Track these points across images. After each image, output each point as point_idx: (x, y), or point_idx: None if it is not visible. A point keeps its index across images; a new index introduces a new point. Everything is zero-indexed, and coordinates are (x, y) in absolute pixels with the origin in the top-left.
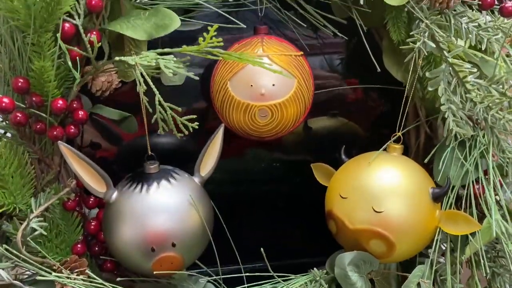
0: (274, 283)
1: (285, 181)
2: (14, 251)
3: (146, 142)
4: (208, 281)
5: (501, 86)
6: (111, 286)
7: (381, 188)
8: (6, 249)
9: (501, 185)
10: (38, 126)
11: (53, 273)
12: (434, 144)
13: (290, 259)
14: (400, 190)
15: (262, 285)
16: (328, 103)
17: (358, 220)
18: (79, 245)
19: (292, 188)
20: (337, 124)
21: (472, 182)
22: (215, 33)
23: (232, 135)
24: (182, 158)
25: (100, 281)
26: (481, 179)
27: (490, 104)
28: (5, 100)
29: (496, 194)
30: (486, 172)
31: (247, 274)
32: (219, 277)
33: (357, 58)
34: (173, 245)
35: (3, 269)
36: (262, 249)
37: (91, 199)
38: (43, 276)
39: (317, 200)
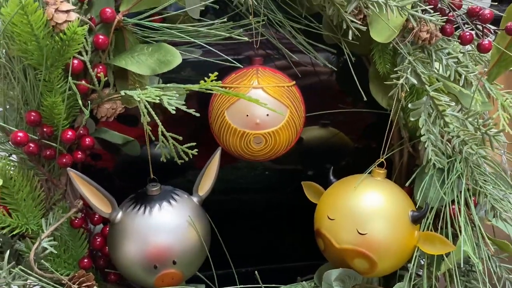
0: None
1: (277, 189)
2: (27, 270)
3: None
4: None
5: (475, 121)
6: None
7: (365, 211)
8: (21, 269)
9: (475, 205)
10: (48, 153)
11: None
12: (417, 164)
13: (280, 263)
14: (382, 213)
15: None
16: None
17: (344, 241)
18: (85, 260)
19: (283, 196)
20: (328, 134)
21: (448, 203)
22: (215, 77)
23: None
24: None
25: None
26: (457, 201)
27: (465, 139)
28: (20, 134)
29: (470, 214)
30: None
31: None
32: None
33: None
34: (174, 262)
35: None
36: (256, 272)
37: (96, 216)
38: None
39: (307, 208)
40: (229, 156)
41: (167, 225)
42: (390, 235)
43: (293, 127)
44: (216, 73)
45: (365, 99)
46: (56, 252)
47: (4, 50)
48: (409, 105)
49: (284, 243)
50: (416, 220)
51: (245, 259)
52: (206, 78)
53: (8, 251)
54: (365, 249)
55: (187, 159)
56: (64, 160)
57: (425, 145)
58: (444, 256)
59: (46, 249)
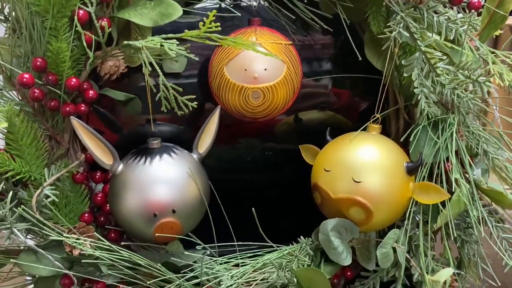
0: (268, 251)
1: (276, 169)
2: (29, 211)
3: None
4: (203, 248)
5: (466, 72)
6: (117, 248)
7: (360, 161)
8: (24, 210)
9: (470, 165)
10: (52, 104)
11: (64, 234)
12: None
13: (279, 243)
14: (377, 163)
15: (256, 252)
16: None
17: (340, 190)
18: (86, 215)
19: (282, 175)
20: (325, 116)
21: (444, 160)
22: (214, 18)
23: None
24: None
25: (107, 243)
26: (452, 158)
27: (456, 86)
28: (26, 76)
29: (465, 172)
30: (457, 153)
31: (241, 243)
32: (214, 245)
33: (343, 56)
34: (173, 211)
35: (18, 230)
36: (253, 208)
37: (98, 174)
38: (55, 237)
39: (305, 187)
40: (229, 136)
41: (167, 175)
42: (385, 184)
43: (291, 84)
44: (214, 11)
45: (360, 58)
46: (58, 201)
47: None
48: (403, 62)
49: (283, 223)
50: (411, 171)
51: (244, 238)
52: (204, 20)
53: (10, 193)
54: (361, 197)
55: (187, 110)
56: (67, 108)
57: (419, 97)
58: (441, 208)
59: (48, 197)
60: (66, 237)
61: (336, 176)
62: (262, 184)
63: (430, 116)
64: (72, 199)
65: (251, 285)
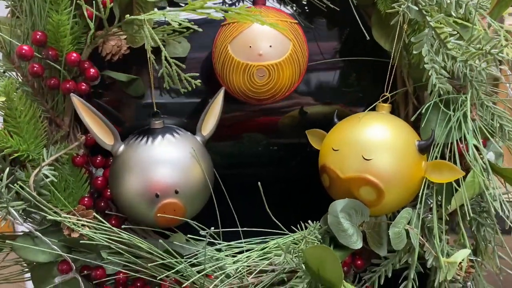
0: (277, 237)
1: (281, 163)
2: (26, 188)
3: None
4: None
5: (478, 45)
6: (118, 230)
7: (370, 139)
8: (21, 187)
9: (485, 145)
10: (52, 82)
11: (62, 214)
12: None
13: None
14: (388, 141)
15: (263, 238)
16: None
17: (349, 169)
18: (86, 199)
19: (287, 170)
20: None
21: (456, 140)
22: None
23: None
24: None
25: (107, 225)
26: (468, 136)
27: (467, 58)
28: (25, 47)
29: (479, 154)
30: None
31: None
32: (217, 230)
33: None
34: (176, 192)
35: (15, 210)
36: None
37: (98, 159)
38: (52, 216)
39: (310, 181)
40: (233, 130)
41: (169, 155)
42: (396, 162)
43: (297, 64)
44: None
45: (367, 37)
46: (56, 187)
47: None
48: (412, 39)
49: (288, 217)
50: (423, 149)
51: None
52: None
53: (7, 169)
54: (371, 175)
55: (190, 88)
56: (68, 85)
57: (429, 73)
58: (455, 190)
59: (46, 177)
60: (65, 217)
61: (345, 155)
62: (267, 179)
63: (442, 92)
64: (72, 183)
65: (255, 271)
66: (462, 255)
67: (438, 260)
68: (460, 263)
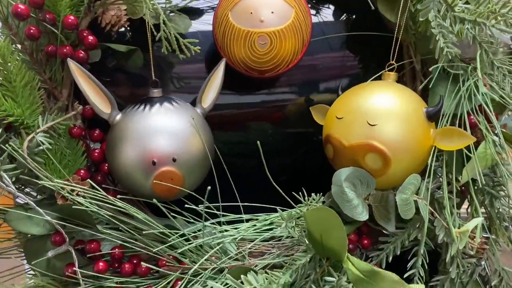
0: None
1: (287, 153)
2: (19, 151)
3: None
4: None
5: (488, 6)
6: (113, 199)
7: (375, 105)
8: (14, 149)
9: (497, 118)
10: (49, 48)
11: (56, 180)
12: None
13: None
14: (394, 107)
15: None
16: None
17: (354, 136)
18: (82, 171)
19: (294, 159)
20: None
21: (467, 111)
22: None
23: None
24: None
25: (103, 193)
26: (475, 109)
27: (476, 18)
28: (21, 6)
29: (492, 126)
30: (480, 108)
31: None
32: (218, 204)
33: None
34: (174, 160)
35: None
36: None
37: (96, 132)
38: (46, 182)
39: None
40: (239, 120)
41: (167, 122)
42: (403, 129)
43: (299, 32)
44: None
45: (373, 7)
46: (52, 157)
47: None
48: (418, 6)
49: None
50: (431, 116)
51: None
52: None
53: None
54: (377, 141)
55: (189, 54)
56: (64, 50)
57: (437, 38)
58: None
59: (42, 144)
60: (58, 183)
61: (349, 122)
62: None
63: (450, 57)
64: (68, 156)
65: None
66: (474, 222)
67: (449, 234)
68: (473, 234)
